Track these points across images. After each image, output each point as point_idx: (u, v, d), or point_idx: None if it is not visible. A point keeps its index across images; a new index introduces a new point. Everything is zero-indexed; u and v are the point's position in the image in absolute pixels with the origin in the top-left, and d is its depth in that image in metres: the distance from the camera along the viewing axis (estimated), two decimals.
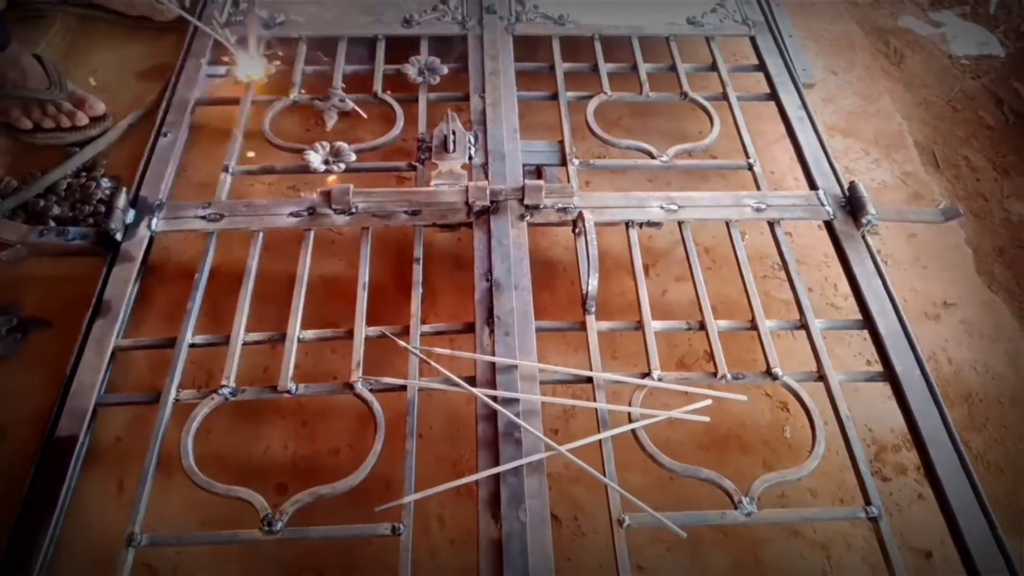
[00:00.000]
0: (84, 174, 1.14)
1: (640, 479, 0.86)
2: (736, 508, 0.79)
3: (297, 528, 0.75)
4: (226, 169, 1.07)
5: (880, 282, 0.99)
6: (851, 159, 1.29)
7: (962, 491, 0.82)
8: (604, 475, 0.80)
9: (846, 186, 1.08)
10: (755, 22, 1.34)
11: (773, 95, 1.24)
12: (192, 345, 0.90)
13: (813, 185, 1.10)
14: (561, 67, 1.24)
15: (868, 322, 0.97)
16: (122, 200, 0.98)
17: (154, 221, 1.00)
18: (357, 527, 0.76)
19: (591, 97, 1.20)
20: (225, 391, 0.85)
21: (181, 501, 0.84)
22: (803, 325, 0.96)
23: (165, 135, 1.10)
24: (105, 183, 1.12)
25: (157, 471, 0.79)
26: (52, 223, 1.02)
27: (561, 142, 1.14)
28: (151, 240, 0.99)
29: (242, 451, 0.90)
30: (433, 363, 0.86)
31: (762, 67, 1.28)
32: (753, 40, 1.32)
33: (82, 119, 1.20)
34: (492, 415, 0.83)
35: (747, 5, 1.38)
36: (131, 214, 0.99)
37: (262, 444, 0.91)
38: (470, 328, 0.93)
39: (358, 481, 0.78)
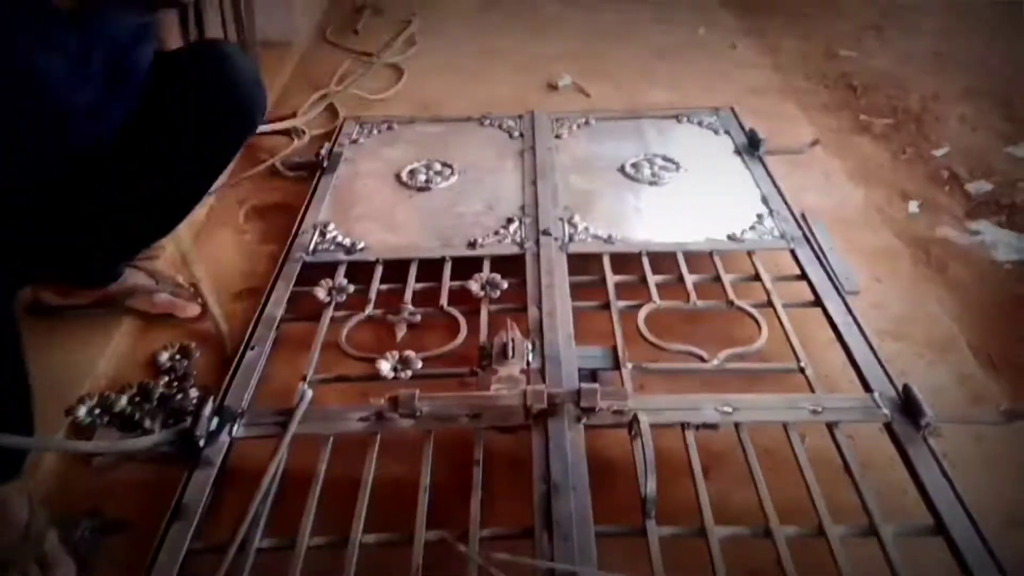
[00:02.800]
0: (176, 384, 1.24)
1: None
2: None
3: None
4: (304, 379, 1.16)
5: (949, 487, 0.97)
6: (905, 362, 1.31)
7: None
8: None
9: (900, 389, 1.09)
10: (793, 237, 1.44)
11: (818, 302, 1.30)
12: (259, 550, 0.92)
13: (868, 388, 1.12)
14: (611, 279, 1.34)
15: (942, 529, 0.93)
16: (208, 409, 1.07)
17: (235, 428, 1.07)
18: None
19: (641, 306, 1.28)
20: None
21: None
22: (874, 532, 0.93)
23: (252, 348, 1.22)
24: (193, 393, 1.22)
25: None
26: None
27: (614, 348, 1.20)
28: (230, 445, 1.06)
29: None
30: (493, 570, 0.86)
31: (804, 277, 1.36)
32: (793, 252, 1.41)
33: None
34: None
35: (784, 222, 1.48)
36: (214, 421, 1.07)
37: None
38: (529, 533, 0.93)
39: None
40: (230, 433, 1.06)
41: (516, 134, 1.84)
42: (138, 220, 1.13)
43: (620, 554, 0.95)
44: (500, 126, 1.88)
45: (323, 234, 1.48)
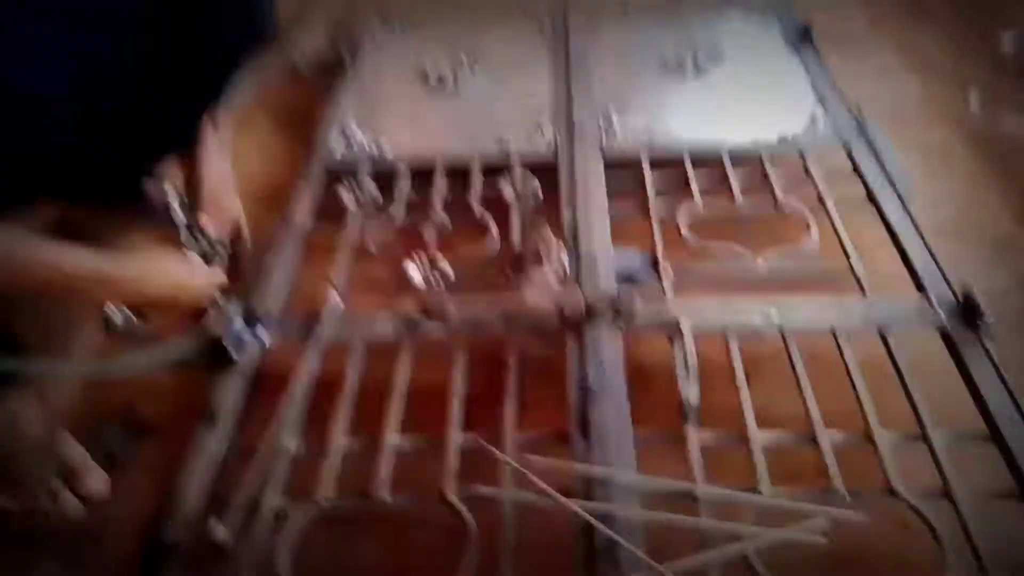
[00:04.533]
0: None
1: None
2: None
3: None
4: (332, 285, 1.13)
5: (1006, 393, 0.92)
6: (962, 263, 1.22)
7: None
8: None
9: (958, 291, 1.03)
10: (848, 136, 1.34)
11: (872, 200, 1.22)
12: (292, 453, 0.92)
13: (922, 290, 1.06)
14: (651, 182, 1.27)
15: (996, 436, 0.89)
16: (237, 315, 1.05)
17: (264, 334, 1.05)
18: None
19: (683, 210, 1.21)
20: (319, 502, 0.86)
21: None
22: (924, 438, 0.89)
23: (279, 255, 1.19)
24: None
25: None
26: None
27: (653, 250, 1.15)
28: (260, 352, 1.04)
29: (337, 562, 0.89)
30: (528, 473, 0.85)
31: (858, 173, 1.27)
32: (848, 150, 1.32)
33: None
34: (589, 530, 0.80)
35: (839, 120, 1.38)
36: (243, 328, 1.05)
37: (357, 555, 0.90)
38: (564, 437, 0.91)
39: None
40: (259, 339, 1.05)
41: (548, 28, 1.72)
42: (150, 135, 1.07)
43: (658, 459, 0.92)
44: (531, 17, 1.76)
45: (347, 137, 1.42)
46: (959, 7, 1.96)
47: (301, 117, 1.66)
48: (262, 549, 0.82)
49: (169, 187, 1.17)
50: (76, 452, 0.93)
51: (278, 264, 1.17)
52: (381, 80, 1.60)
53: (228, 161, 1.19)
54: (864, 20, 1.90)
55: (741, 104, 1.44)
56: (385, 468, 0.88)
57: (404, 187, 1.31)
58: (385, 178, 1.34)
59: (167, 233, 1.28)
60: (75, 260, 0.85)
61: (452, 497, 0.84)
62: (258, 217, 1.34)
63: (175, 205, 1.14)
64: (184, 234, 1.12)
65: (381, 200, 1.29)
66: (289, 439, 0.93)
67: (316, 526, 0.85)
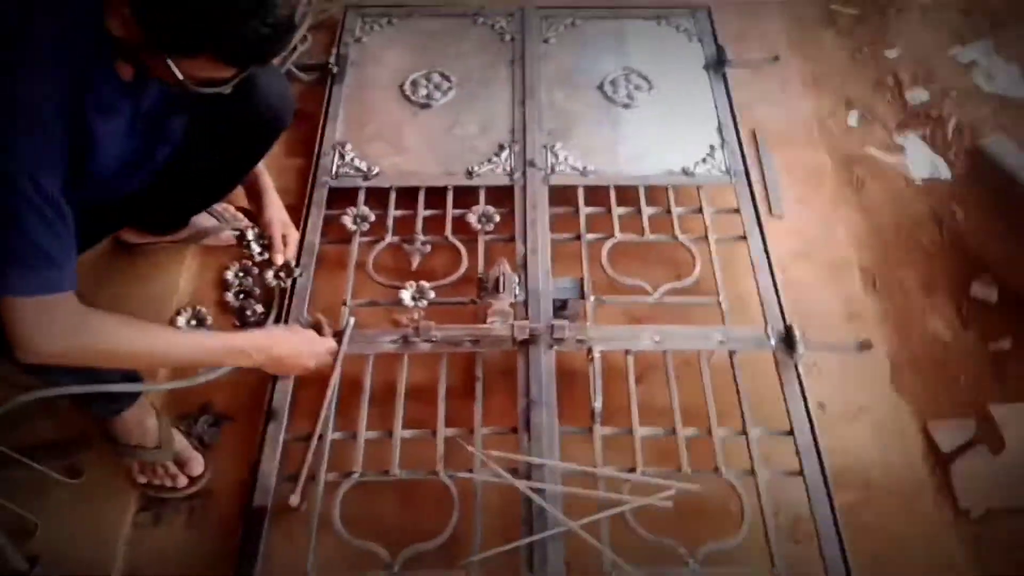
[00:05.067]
0: (241, 296, 1.59)
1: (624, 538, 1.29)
2: (687, 566, 1.23)
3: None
4: (344, 303, 1.52)
5: (803, 403, 1.41)
6: (806, 284, 1.67)
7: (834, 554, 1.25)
8: (600, 541, 1.25)
9: (786, 323, 1.48)
10: (736, 171, 1.73)
11: (745, 238, 1.64)
12: (332, 441, 1.36)
13: (764, 321, 1.51)
14: (584, 212, 1.66)
15: (792, 432, 1.39)
16: None
17: None
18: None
19: (605, 239, 1.61)
20: (355, 475, 1.31)
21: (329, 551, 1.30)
22: (744, 432, 1.38)
23: (300, 275, 1.56)
24: (259, 308, 1.58)
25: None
26: None
27: (581, 279, 1.56)
28: None
29: (368, 516, 1.35)
30: (489, 461, 1.31)
31: (738, 212, 1.68)
32: (734, 186, 1.72)
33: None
34: (528, 499, 1.28)
35: (732, 155, 1.76)
36: None
37: (380, 511, 1.36)
38: (514, 430, 1.37)
39: (443, 540, 1.24)
40: None
41: (508, 37, 2.00)
42: (197, 194, 1.44)
43: (575, 446, 1.39)
44: (493, 26, 2.02)
45: (342, 156, 1.74)
46: (864, 18, 2.26)
47: (297, 120, 1.93)
48: (320, 508, 1.28)
49: (246, 224, 1.54)
50: (182, 443, 1.36)
51: (300, 283, 1.54)
52: (365, 89, 1.89)
53: (276, 195, 1.53)
54: (779, 27, 2.20)
55: (659, 136, 1.80)
56: (396, 452, 1.33)
57: (392, 209, 1.66)
58: (374, 197, 1.69)
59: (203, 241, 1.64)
60: (198, 344, 1.23)
61: (442, 475, 1.31)
62: None
63: (251, 239, 1.50)
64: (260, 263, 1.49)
65: (373, 219, 1.65)
66: (328, 429, 1.36)
67: (352, 492, 1.31)
